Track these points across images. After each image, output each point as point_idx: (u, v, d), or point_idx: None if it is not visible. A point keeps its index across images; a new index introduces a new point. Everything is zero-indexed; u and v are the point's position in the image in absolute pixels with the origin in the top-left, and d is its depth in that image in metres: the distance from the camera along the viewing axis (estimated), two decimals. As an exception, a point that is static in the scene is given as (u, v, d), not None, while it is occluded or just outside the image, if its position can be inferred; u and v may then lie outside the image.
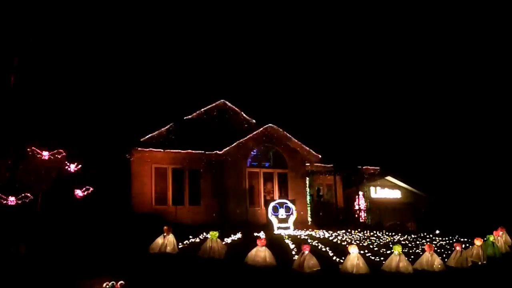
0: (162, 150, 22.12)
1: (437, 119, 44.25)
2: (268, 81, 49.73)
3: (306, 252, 13.76)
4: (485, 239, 16.72)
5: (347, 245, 15.45)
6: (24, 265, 12.62)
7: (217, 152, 22.77)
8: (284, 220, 20.50)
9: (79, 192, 16.91)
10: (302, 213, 22.98)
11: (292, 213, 20.76)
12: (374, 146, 34.91)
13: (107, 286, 10.76)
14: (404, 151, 36.89)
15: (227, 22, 53.91)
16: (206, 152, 22.69)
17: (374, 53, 55.08)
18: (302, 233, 19.51)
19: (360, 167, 26.66)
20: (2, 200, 13.69)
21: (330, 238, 18.62)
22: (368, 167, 27.08)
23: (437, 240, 19.87)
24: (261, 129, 23.59)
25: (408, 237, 20.75)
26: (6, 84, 13.98)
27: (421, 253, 15.16)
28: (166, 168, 22.30)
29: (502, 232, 17.75)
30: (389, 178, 29.94)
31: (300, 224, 21.83)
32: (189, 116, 24.06)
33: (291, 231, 20.06)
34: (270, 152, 23.86)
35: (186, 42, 50.60)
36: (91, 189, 17.49)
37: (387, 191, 29.94)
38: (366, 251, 15.95)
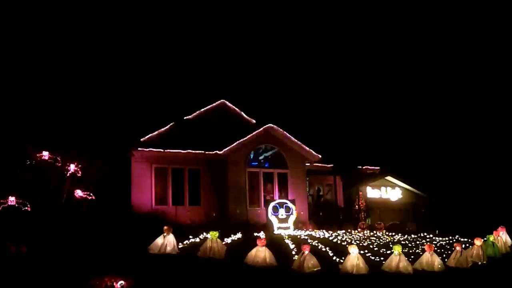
0: (162, 150, 22.11)
1: (437, 119, 44.25)
2: (268, 81, 49.71)
3: (306, 252, 13.78)
4: (485, 239, 16.74)
5: (347, 245, 15.48)
6: (25, 265, 12.63)
7: (217, 152, 22.77)
8: (284, 220, 20.49)
9: (79, 192, 16.91)
10: (302, 213, 22.95)
11: (292, 213, 20.75)
12: (374, 146, 34.88)
13: (107, 286, 10.78)
14: (404, 151, 36.87)
15: (227, 22, 53.90)
16: (206, 152, 22.68)
17: (374, 53, 55.06)
18: (302, 233, 19.51)
19: (360, 167, 26.65)
20: (2, 200, 13.68)
21: (330, 238, 18.62)
22: (368, 167, 27.06)
23: (437, 240, 19.88)
24: (261, 129, 23.58)
25: (408, 237, 20.76)
26: (6, 84, 13.98)
27: (421, 253, 15.18)
28: (166, 168, 22.30)
29: (502, 232, 17.78)
30: (389, 178, 29.91)
31: (300, 224, 21.83)
32: (189, 116, 24.04)
33: (291, 231, 20.06)
34: (270, 152, 23.86)
35: (186, 42, 50.59)
36: (91, 189, 17.49)
37: (387, 191, 29.94)
38: (366, 251, 15.96)
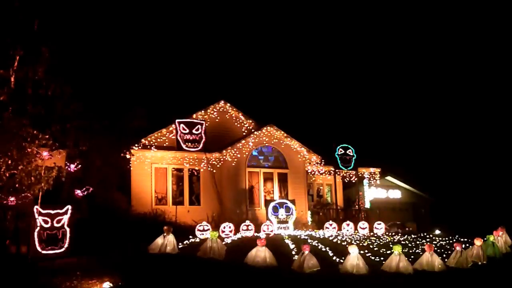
0: (162, 150, 22.14)
1: (437, 120, 44.32)
2: (268, 81, 49.78)
3: (306, 252, 13.77)
4: (485, 239, 16.75)
5: (347, 245, 15.47)
6: (24, 265, 12.63)
7: (217, 152, 22.79)
8: (284, 220, 20.51)
9: (79, 192, 16.90)
10: (302, 213, 22.99)
11: (292, 213, 20.77)
12: (375, 146, 34.98)
13: (108, 287, 10.78)
14: (404, 151, 36.96)
15: (227, 23, 53.94)
16: (206, 152, 22.69)
17: (374, 53, 55.11)
18: (302, 233, 19.52)
19: (360, 167, 26.66)
20: (2, 200, 13.65)
21: (330, 238, 18.63)
22: (368, 167, 27.07)
23: (437, 240, 19.89)
24: (261, 129, 23.59)
25: (408, 237, 20.75)
26: (7, 84, 13.97)
27: (421, 253, 15.17)
28: (166, 168, 22.32)
29: (502, 232, 17.79)
30: (389, 178, 29.95)
31: (300, 224, 21.85)
32: (189, 116, 24.02)
33: (291, 231, 20.07)
34: (270, 152, 23.85)
35: (187, 42, 50.64)
36: (91, 189, 17.46)
37: (387, 191, 29.95)
38: (366, 251, 15.96)
